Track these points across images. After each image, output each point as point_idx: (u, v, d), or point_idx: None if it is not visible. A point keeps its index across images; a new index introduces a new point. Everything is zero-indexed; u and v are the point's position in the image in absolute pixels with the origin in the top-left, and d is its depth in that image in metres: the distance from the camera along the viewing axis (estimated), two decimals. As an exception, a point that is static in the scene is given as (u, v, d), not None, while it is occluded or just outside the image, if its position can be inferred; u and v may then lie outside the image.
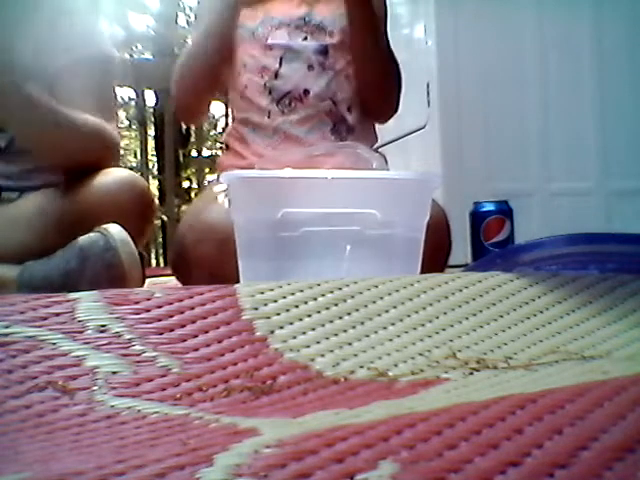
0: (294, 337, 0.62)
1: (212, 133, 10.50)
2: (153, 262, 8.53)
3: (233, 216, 0.88)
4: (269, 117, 1.29)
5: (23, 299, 0.62)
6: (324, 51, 1.30)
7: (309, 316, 0.65)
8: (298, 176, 0.88)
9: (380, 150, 1.46)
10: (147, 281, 1.11)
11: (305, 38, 1.30)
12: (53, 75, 1.09)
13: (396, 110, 1.38)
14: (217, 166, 1.45)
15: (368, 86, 1.32)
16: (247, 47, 1.32)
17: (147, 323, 0.60)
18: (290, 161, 1.04)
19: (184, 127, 8.87)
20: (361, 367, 0.60)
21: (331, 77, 1.30)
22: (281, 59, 1.29)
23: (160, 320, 0.61)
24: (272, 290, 0.67)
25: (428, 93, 2.41)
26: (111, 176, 1.04)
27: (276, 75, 1.29)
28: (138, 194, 1.04)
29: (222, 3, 1.30)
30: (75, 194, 1.02)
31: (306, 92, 1.28)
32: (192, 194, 8.87)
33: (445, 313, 0.70)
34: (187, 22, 10.77)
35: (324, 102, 1.28)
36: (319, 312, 0.66)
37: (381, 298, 0.69)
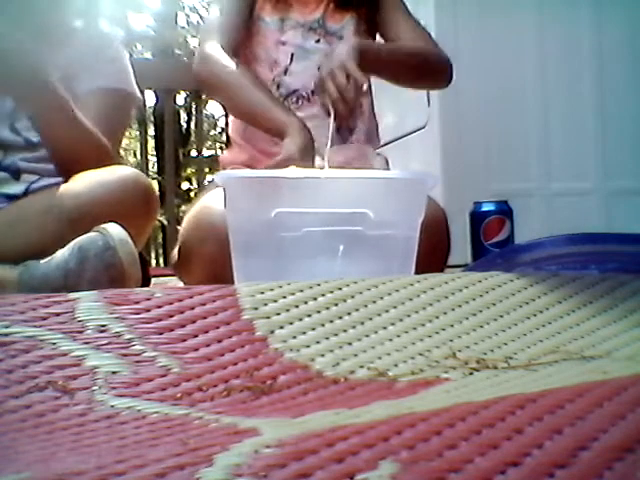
0: (294, 337, 0.62)
1: (212, 133, 10.50)
2: (153, 262, 8.54)
3: (228, 216, 0.88)
4: None
5: (23, 299, 0.62)
6: None
7: (309, 316, 0.65)
8: (292, 176, 0.87)
9: (381, 150, 1.46)
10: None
11: (318, 41, 1.31)
12: (74, 96, 1.14)
13: (451, 78, 1.35)
14: (219, 162, 1.44)
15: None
16: (260, 39, 1.32)
17: (147, 323, 0.60)
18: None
19: (184, 127, 8.88)
20: (361, 367, 0.60)
21: None
22: (292, 56, 1.30)
23: (160, 320, 0.61)
24: (272, 290, 0.67)
25: (428, 93, 2.40)
26: (115, 174, 1.04)
27: (286, 71, 1.30)
28: (142, 192, 1.04)
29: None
30: (79, 192, 1.02)
31: (314, 92, 1.28)
32: (192, 194, 8.87)
33: (445, 313, 0.70)
34: (187, 22, 10.79)
35: None
36: (319, 312, 0.66)
37: (381, 298, 0.69)
